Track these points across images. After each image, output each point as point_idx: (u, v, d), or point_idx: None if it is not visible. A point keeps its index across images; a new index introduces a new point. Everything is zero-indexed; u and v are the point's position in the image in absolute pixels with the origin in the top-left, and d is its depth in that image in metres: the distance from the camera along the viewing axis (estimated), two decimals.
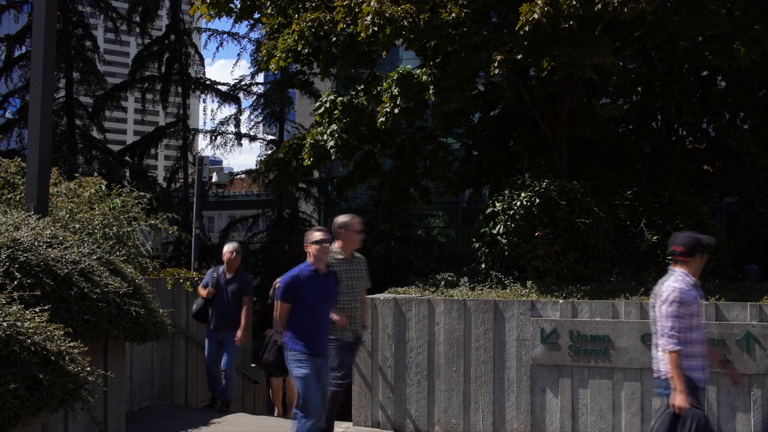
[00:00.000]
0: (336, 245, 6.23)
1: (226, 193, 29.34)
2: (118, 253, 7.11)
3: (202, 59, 24.92)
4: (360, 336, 6.54)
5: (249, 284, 8.22)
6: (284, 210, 23.94)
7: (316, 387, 5.57)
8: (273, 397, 8.78)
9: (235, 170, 25.70)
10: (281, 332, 5.83)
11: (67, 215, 7.19)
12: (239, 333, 8.06)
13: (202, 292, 8.14)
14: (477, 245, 9.53)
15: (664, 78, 12.60)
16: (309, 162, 10.70)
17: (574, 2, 7.63)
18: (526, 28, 7.91)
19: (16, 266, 4.24)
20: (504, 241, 8.88)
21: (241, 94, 24.48)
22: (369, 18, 8.44)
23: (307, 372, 5.51)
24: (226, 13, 10.73)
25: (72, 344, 3.71)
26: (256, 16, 11.94)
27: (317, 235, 5.68)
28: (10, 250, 4.34)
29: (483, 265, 9.35)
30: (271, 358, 6.61)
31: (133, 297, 5.16)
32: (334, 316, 5.90)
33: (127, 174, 22.36)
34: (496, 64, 8.40)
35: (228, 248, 8.18)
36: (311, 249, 5.66)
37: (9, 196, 7.06)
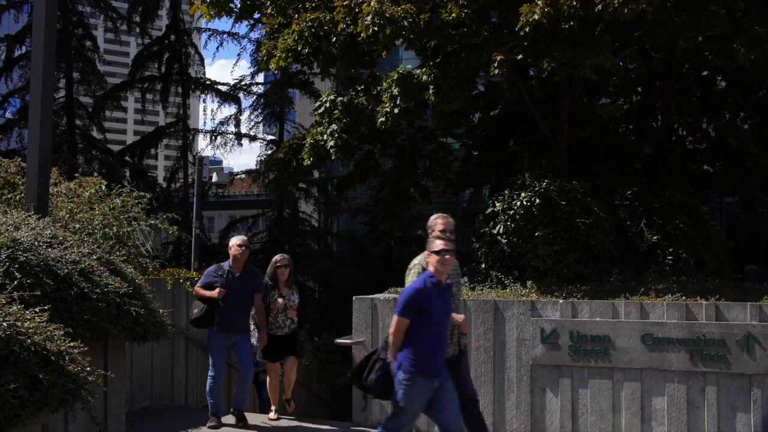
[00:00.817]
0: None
1: (226, 193, 29.33)
2: (118, 253, 7.12)
3: (202, 59, 24.91)
4: (465, 345, 5.83)
5: (261, 281, 7.34)
6: (284, 210, 23.93)
7: (409, 421, 5.07)
8: (269, 392, 7.81)
9: (235, 170, 25.71)
10: (390, 350, 5.08)
11: (67, 215, 7.20)
12: (262, 334, 7.24)
13: (208, 292, 7.02)
14: (477, 245, 9.53)
15: (664, 78, 12.60)
16: (309, 162, 10.70)
17: (575, 3, 7.63)
18: (527, 29, 7.92)
19: (16, 266, 4.24)
20: (504, 241, 8.88)
21: (241, 94, 24.47)
22: (369, 18, 8.44)
23: (412, 406, 4.96)
24: (226, 13, 10.74)
25: (72, 344, 3.71)
26: (256, 16, 11.95)
27: (438, 244, 4.99)
28: (10, 250, 4.34)
29: (483, 265, 9.35)
30: (375, 379, 5.34)
31: (133, 297, 5.16)
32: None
33: (127, 174, 22.34)
34: (496, 64, 8.40)
35: (236, 242, 7.24)
36: (431, 259, 5.02)
37: (9, 196, 7.07)
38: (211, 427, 7.03)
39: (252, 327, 7.43)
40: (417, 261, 5.62)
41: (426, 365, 4.91)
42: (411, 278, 5.48)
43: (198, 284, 7.20)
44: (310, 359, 9.06)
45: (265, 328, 7.28)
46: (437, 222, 5.57)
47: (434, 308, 4.92)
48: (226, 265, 7.17)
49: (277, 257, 7.63)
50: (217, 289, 6.99)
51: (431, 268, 5.01)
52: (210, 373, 7.15)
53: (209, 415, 7.18)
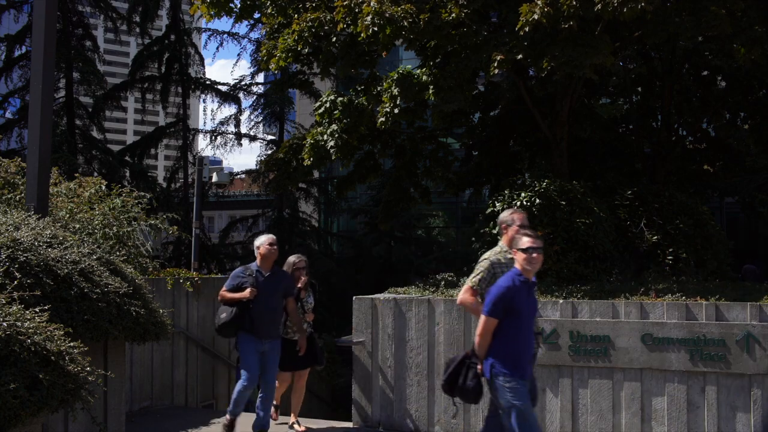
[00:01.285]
0: (502, 243, 5.39)
1: (226, 193, 29.33)
2: (118, 253, 7.12)
3: (202, 59, 24.92)
4: (539, 345, 5.60)
5: (292, 283, 6.93)
6: (284, 210, 23.95)
7: (534, 418, 4.82)
8: (293, 398, 7.39)
9: (235, 170, 25.71)
10: (478, 352, 4.90)
11: (67, 215, 7.20)
12: (301, 340, 6.91)
13: (237, 294, 6.46)
14: (477, 245, 9.54)
15: (664, 78, 12.61)
16: (309, 162, 10.70)
17: (574, 2, 7.63)
18: (526, 29, 7.92)
19: (16, 266, 4.24)
20: None
21: (241, 94, 24.49)
22: (369, 18, 8.44)
23: (526, 403, 4.71)
24: (226, 13, 10.74)
25: (72, 344, 3.71)
26: (256, 16, 11.95)
27: (526, 241, 4.76)
28: (10, 250, 4.34)
29: None
30: (474, 386, 5.03)
31: (133, 297, 5.16)
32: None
33: (127, 174, 22.35)
34: (496, 64, 8.40)
35: (266, 240, 6.67)
36: (518, 257, 4.79)
37: (9, 196, 7.07)
38: (225, 425, 6.57)
39: None
40: (487, 257, 5.36)
41: (519, 367, 4.75)
42: (479, 277, 5.23)
43: (224, 288, 6.59)
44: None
45: (304, 333, 6.92)
46: (513, 217, 5.34)
47: (522, 307, 4.75)
48: (253, 265, 6.60)
49: (294, 258, 7.35)
50: (248, 289, 6.40)
51: (518, 266, 4.80)
52: (242, 381, 6.42)
53: (227, 414, 6.60)
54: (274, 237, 6.83)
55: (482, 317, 4.79)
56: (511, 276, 4.79)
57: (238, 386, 6.48)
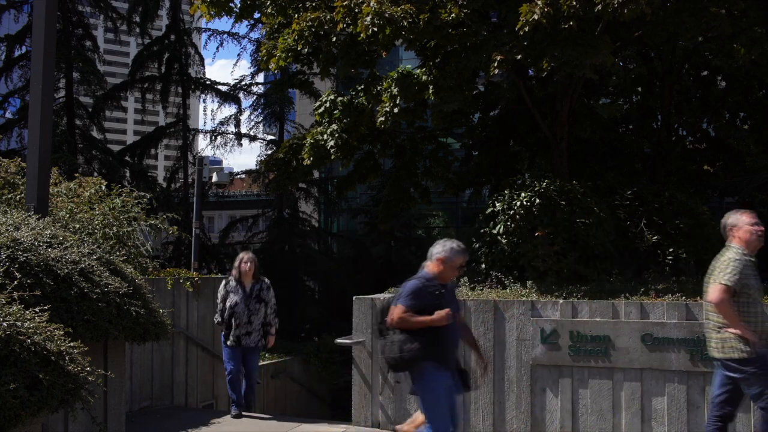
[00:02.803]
0: (735, 244, 5.29)
1: (226, 193, 29.31)
2: (118, 253, 7.11)
3: (202, 59, 24.89)
4: None
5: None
6: (284, 210, 23.92)
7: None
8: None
9: (235, 170, 25.65)
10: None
11: (67, 215, 7.19)
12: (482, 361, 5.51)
13: (429, 318, 4.88)
14: (477, 245, 9.54)
15: (664, 78, 12.61)
16: (309, 162, 10.70)
17: (574, 3, 7.63)
18: (526, 29, 7.92)
19: (16, 266, 4.24)
20: (504, 241, 8.88)
21: (241, 94, 24.45)
22: (369, 18, 8.44)
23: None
24: (226, 13, 10.74)
25: (72, 344, 3.70)
26: (256, 15, 11.95)
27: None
28: (10, 250, 4.33)
29: (483, 265, 9.35)
30: None
31: (133, 297, 5.15)
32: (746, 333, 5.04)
33: (127, 174, 22.33)
34: (495, 65, 8.40)
35: (453, 245, 5.12)
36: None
37: (9, 196, 7.06)
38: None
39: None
40: (733, 256, 5.20)
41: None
42: (731, 275, 5.11)
43: (405, 307, 4.93)
44: None
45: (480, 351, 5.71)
46: (743, 218, 5.31)
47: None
48: (426, 275, 5.11)
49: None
50: (445, 311, 4.89)
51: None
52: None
53: None
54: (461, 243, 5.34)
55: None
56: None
57: None
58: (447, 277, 5.09)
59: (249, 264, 7.62)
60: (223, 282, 7.83)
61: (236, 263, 7.74)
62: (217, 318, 7.73)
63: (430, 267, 5.08)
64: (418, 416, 5.45)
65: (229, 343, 7.59)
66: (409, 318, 4.89)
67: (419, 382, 4.94)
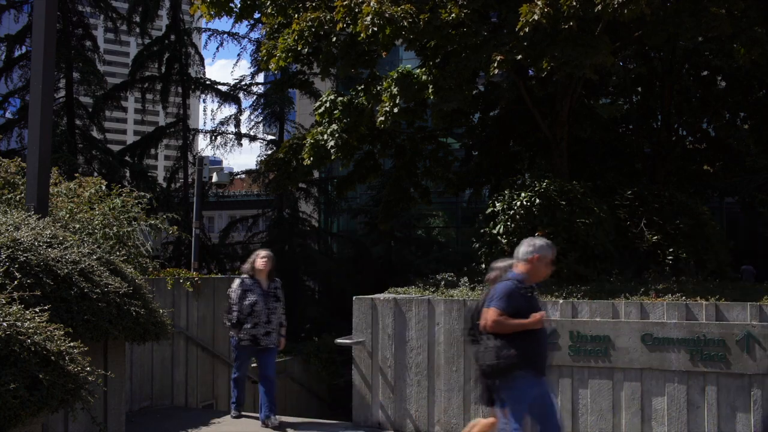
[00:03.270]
0: None
1: (226, 193, 29.30)
2: (118, 253, 7.11)
3: (202, 59, 24.88)
4: None
5: None
6: (284, 210, 23.92)
7: None
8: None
9: (235, 170, 25.63)
10: None
11: (67, 215, 7.19)
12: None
13: (533, 320, 4.77)
14: (477, 245, 9.54)
15: (664, 78, 12.61)
16: (309, 162, 10.70)
17: (574, 3, 7.64)
18: (526, 29, 7.92)
19: (16, 266, 4.24)
20: (504, 241, 8.88)
21: (241, 94, 24.44)
22: (369, 18, 8.44)
23: None
24: (226, 13, 10.74)
25: (72, 344, 3.70)
26: (256, 15, 11.95)
27: None
28: (10, 250, 4.33)
29: (483, 265, 9.35)
30: None
31: (133, 297, 5.15)
32: None
33: (127, 174, 22.32)
34: (495, 65, 8.41)
35: (542, 243, 5.08)
36: None
37: (9, 196, 7.06)
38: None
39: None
40: None
41: None
42: None
43: (500, 310, 4.73)
44: None
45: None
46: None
47: None
48: (517, 276, 4.93)
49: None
50: (540, 313, 4.81)
51: None
52: None
53: None
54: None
55: None
56: None
57: None
58: (539, 277, 4.96)
59: (266, 260, 7.31)
60: (237, 280, 7.42)
61: (251, 258, 7.43)
62: (232, 318, 7.23)
63: (519, 268, 4.90)
64: (480, 421, 5.48)
65: (243, 342, 7.20)
66: (504, 321, 4.69)
67: (509, 391, 4.75)
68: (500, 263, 5.57)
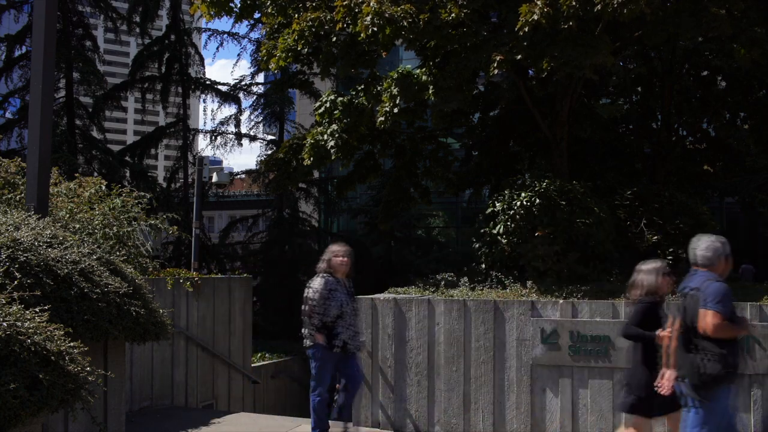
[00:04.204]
0: None
1: (226, 193, 29.29)
2: (118, 253, 7.11)
3: (202, 59, 24.87)
4: None
5: None
6: (284, 210, 23.91)
7: None
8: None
9: (235, 170, 25.63)
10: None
11: (67, 215, 7.19)
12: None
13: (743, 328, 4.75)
14: (477, 245, 9.54)
15: (664, 78, 12.61)
16: (309, 162, 10.70)
17: (574, 3, 7.64)
18: (526, 29, 7.92)
19: (16, 266, 4.23)
20: (504, 241, 8.88)
21: (241, 94, 24.44)
22: (369, 18, 8.44)
23: None
24: (226, 13, 10.74)
25: (72, 344, 3.70)
26: (257, 15, 11.95)
27: None
28: (10, 250, 4.33)
29: (483, 265, 9.35)
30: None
31: (133, 297, 5.15)
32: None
33: (127, 174, 22.32)
34: (495, 65, 8.41)
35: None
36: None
37: (9, 196, 7.06)
38: None
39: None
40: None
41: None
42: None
43: (721, 313, 4.42)
44: None
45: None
46: None
47: None
48: (714, 276, 4.74)
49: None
50: (745, 318, 4.86)
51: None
52: None
53: None
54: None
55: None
56: None
57: None
58: (726, 273, 4.71)
59: (345, 258, 6.33)
60: (323, 280, 6.28)
61: (327, 256, 6.38)
62: (319, 322, 6.16)
63: (717, 267, 4.64)
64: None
65: (336, 349, 6.16)
66: (727, 326, 4.37)
67: (710, 402, 4.37)
68: (648, 265, 5.55)
